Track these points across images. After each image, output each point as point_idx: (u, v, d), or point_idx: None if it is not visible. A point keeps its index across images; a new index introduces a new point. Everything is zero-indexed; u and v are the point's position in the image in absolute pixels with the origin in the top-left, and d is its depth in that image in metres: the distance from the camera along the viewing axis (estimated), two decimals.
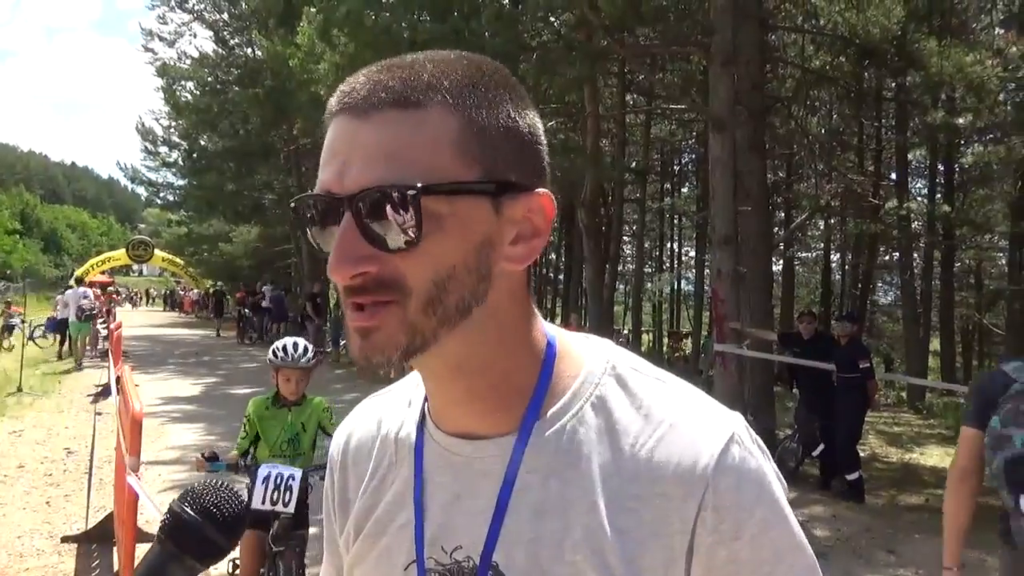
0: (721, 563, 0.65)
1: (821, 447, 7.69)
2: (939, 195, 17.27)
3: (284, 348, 3.62)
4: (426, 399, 0.75)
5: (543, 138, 0.69)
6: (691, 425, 0.66)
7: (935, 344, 20.65)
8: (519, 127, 0.66)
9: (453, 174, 0.62)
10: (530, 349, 0.70)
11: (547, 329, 0.73)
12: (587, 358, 0.72)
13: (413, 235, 0.61)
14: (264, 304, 22.57)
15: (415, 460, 0.74)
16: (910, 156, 17.74)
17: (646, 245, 26.51)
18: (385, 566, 0.73)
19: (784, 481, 0.70)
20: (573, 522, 0.66)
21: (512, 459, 0.68)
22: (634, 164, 20.82)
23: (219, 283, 30.42)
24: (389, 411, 0.80)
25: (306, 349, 3.64)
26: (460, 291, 0.63)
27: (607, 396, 0.69)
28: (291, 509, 3.27)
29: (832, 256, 22.86)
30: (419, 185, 0.60)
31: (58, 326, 16.80)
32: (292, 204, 0.68)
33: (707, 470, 0.64)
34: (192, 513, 0.73)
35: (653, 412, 0.68)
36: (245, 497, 3.40)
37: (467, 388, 0.69)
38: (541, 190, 0.67)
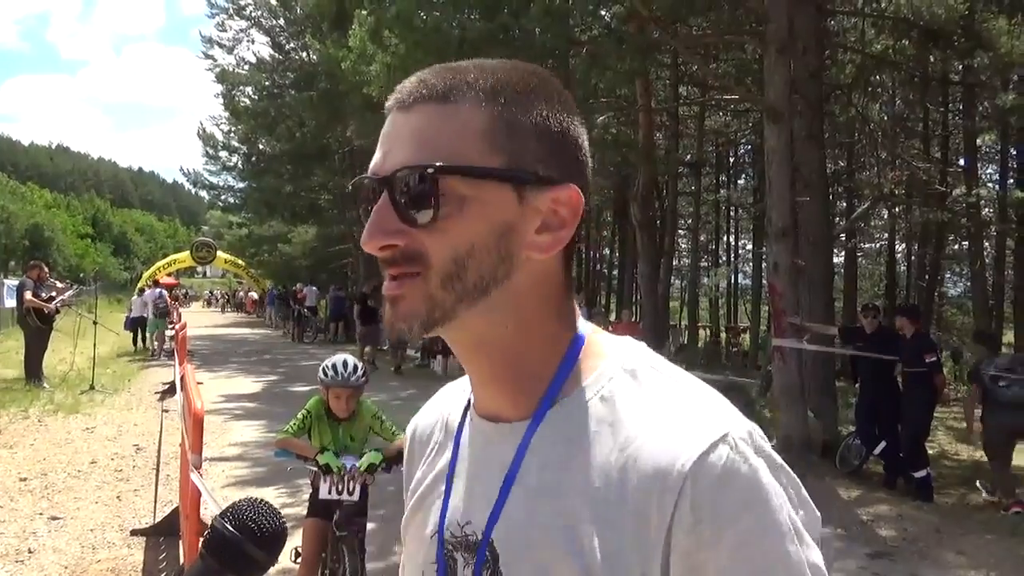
0: (698, 570, 0.62)
1: (882, 444, 7.45)
2: (1011, 180, 16.55)
3: (334, 367, 3.61)
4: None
5: (582, 141, 0.73)
6: (685, 421, 0.66)
7: (1008, 337, 19.81)
8: (550, 127, 0.70)
9: (476, 160, 0.67)
10: (551, 338, 0.73)
11: (580, 325, 0.76)
12: (610, 355, 0.74)
13: (431, 212, 0.66)
14: (308, 304, 23.67)
15: (454, 439, 0.80)
16: (979, 141, 16.96)
17: (702, 239, 26.12)
18: (420, 533, 0.80)
19: (807, 511, 0.66)
20: (562, 509, 0.68)
21: (521, 443, 0.72)
22: (688, 157, 20.50)
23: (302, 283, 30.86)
24: (455, 395, 0.86)
25: (356, 367, 3.62)
26: (479, 270, 0.68)
27: (617, 390, 0.71)
28: (355, 497, 3.48)
29: (897, 247, 22.10)
30: (438, 164, 0.66)
31: (134, 324, 18.76)
32: (349, 187, 0.75)
33: (686, 465, 0.62)
34: (232, 529, 0.75)
35: (655, 407, 0.68)
36: (308, 494, 3.52)
37: (489, 366, 0.74)
38: (570, 184, 0.70)
